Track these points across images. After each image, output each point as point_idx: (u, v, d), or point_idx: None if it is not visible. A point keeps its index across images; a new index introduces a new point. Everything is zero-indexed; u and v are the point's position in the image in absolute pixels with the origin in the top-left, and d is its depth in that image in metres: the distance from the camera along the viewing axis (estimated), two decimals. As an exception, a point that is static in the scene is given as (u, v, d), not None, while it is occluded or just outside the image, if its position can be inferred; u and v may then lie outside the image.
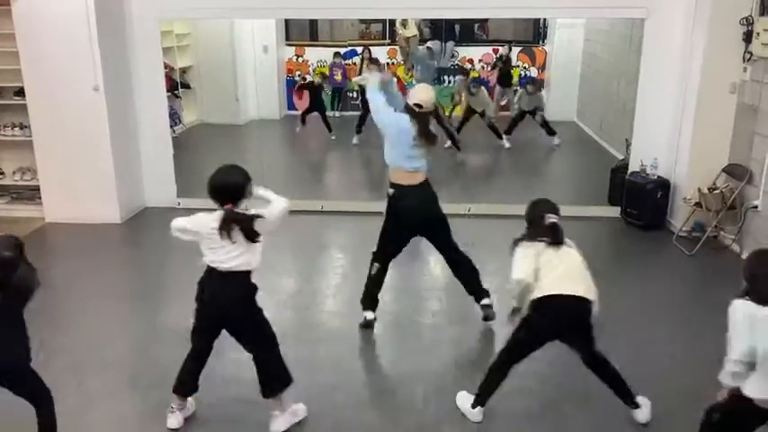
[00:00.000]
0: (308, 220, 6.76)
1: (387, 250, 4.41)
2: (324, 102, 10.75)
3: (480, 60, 12.22)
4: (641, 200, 6.42)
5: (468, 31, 12.55)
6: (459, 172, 9.33)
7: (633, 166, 6.64)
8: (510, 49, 11.67)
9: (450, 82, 11.97)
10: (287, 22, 12.08)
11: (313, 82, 10.83)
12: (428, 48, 10.48)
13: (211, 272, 3.26)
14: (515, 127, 10.12)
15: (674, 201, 6.36)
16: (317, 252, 6.17)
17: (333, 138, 10.34)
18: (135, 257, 5.98)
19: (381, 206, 4.42)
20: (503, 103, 11.56)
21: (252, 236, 3.19)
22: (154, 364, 4.09)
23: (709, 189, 5.88)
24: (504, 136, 10.00)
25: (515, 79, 11.73)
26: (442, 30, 12.01)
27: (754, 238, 5.52)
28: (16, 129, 6.76)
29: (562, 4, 6.78)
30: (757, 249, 2.91)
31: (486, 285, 4.55)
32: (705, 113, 5.98)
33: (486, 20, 12.37)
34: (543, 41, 12.18)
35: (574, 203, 7.11)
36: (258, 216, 3.19)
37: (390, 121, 4.15)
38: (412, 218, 4.26)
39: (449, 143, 9.62)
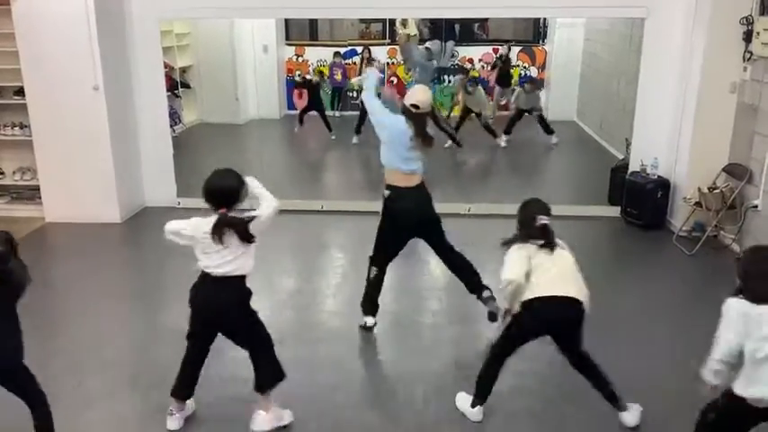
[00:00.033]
0: (307, 220, 6.77)
1: (384, 253, 4.39)
2: (322, 100, 10.73)
3: (480, 60, 12.22)
4: (641, 199, 6.42)
5: (468, 30, 12.56)
6: (459, 172, 9.33)
7: (633, 166, 6.64)
8: (509, 50, 11.68)
9: (450, 81, 11.98)
10: (287, 21, 12.08)
11: (311, 80, 10.81)
12: (426, 48, 10.48)
13: (205, 277, 3.25)
14: (514, 126, 10.13)
15: (674, 200, 6.36)
16: (317, 252, 6.17)
17: (333, 137, 10.34)
18: (135, 257, 5.98)
19: (380, 206, 4.41)
20: (502, 102, 11.57)
21: (247, 237, 3.18)
22: (154, 364, 4.09)
23: (709, 189, 5.88)
24: (504, 135, 10.02)
25: (515, 79, 11.73)
26: (441, 29, 12.01)
27: (754, 237, 5.52)
28: (16, 128, 6.76)
29: (562, 3, 6.78)
30: (752, 246, 2.92)
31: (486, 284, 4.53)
32: (705, 113, 5.98)
33: (485, 19, 12.38)
34: (543, 41, 12.18)
35: (574, 203, 7.12)
36: (252, 219, 3.18)
37: (387, 122, 4.15)
38: (408, 219, 4.25)
39: (449, 143, 9.63)
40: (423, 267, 5.54)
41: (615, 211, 6.77)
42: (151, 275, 5.58)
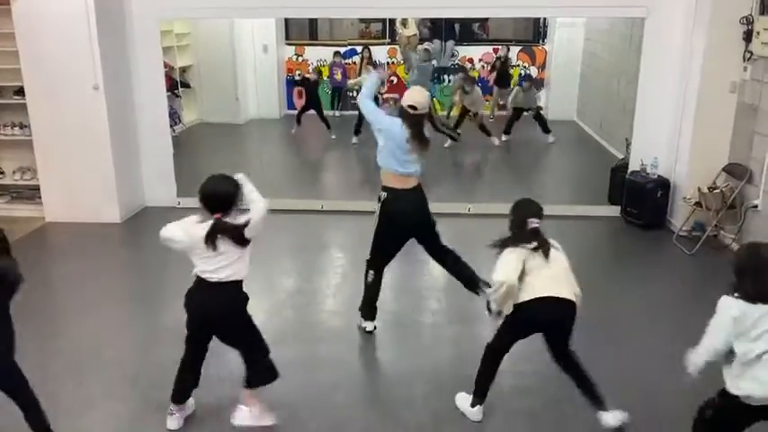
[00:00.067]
0: (307, 220, 6.77)
1: (381, 256, 4.39)
2: (320, 98, 10.67)
3: (480, 60, 12.22)
4: (641, 199, 6.42)
5: (468, 30, 12.55)
6: (459, 171, 9.34)
7: (633, 166, 6.64)
8: (508, 50, 11.71)
9: (450, 81, 11.98)
10: (287, 21, 12.08)
11: (308, 78, 10.80)
12: (425, 49, 10.49)
13: (200, 282, 3.26)
14: (513, 125, 10.15)
15: (674, 200, 6.36)
16: (317, 252, 6.17)
17: (333, 137, 10.33)
18: (135, 257, 5.98)
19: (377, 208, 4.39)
20: (501, 102, 11.59)
21: (242, 242, 3.19)
22: (154, 364, 4.09)
23: (709, 188, 5.88)
24: (503, 135, 10.07)
25: (515, 79, 11.73)
26: (441, 29, 12.01)
27: (754, 237, 5.51)
28: (16, 128, 6.77)
29: (562, 3, 6.78)
30: (748, 242, 2.92)
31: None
32: (705, 113, 5.98)
33: (486, 19, 12.38)
34: (543, 41, 12.18)
35: (574, 203, 7.13)
36: (246, 225, 3.18)
37: (383, 125, 4.14)
38: (404, 221, 4.24)
39: (448, 142, 9.64)
40: (422, 267, 5.53)
41: (615, 211, 6.77)
42: (151, 276, 5.57)
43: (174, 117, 9.95)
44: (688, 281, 5.46)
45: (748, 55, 5.68)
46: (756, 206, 5.57)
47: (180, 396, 3.49)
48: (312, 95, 10.49)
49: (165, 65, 7.96)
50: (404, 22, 11.34)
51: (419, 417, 3.65)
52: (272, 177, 8.62)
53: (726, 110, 5.94)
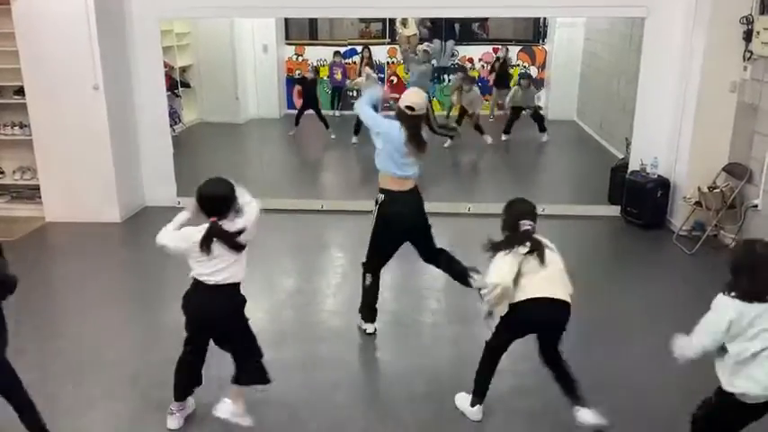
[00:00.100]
0: (307, 220, 6.77)
1: (377, 258, 4.39)
2: (317, 97, 10.63)
3: (480, 59, 12.21)
4: (641, 199, 6.42)
5: (468, 30, 12.55)
6: (459, 171, 9.34)
7: (633, 165, 6.64)
8: (507, 52, 11.72)
9: (450, 81, 11.98)
10: (287, 21, 12.07)
11: (306, 77, 10.78)
12: (424, 50, 10.48)
13: (198, 285, 3.26)
14: (513, 125, 10.16)
15: (674, 200, 6.36)
16: (317, 251, 6.17)
17: (333, 137, 10.33)
18: (135, 257, 5.98)
19: (374, 209, 4.38)
20: (500, 102, 11.59)
21: (236, 247, 3.19)
22: (153, 363, 4.09)
23: (709, 188, 5.88)
24: (503, 135, 10.10)
25: (515, 79, 11.73)
26: (441, 29, 12.01)
27: (753, 236, 5.50)
28: (16, 128, 6.76)
29: (562, 3, 6.78)
30: (744, 239, 2.92)
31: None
32: (705, 112, 5.98)
33: (485, 19, 12.38)
34: (543, 40, 12.18)
35: (574, 202, 7.13)
36: (241, 232, 3.18)
37: (382, 129, 4.13)
38: (401, 224, 4.24)
39: (448, 142, 9.64)
40: (422, 267, 5.50)
41: (615, 211, 6.77)
42: (151, 276, 5.57)
43: (174, 117, 9.95)
44: (688, 280, 5.46)
45: (748, 54, 5.68)
46: (756, 206, 5.57)
47: (180, 394, 3.50)
48: (310, 94, 10.47)
49: (165, 64, 7.96)
50: (404, 22, 11.36)
51: (419, 416, 3.65)
52: (272, 177, 8.64)
53: (726, 109, 5.94)
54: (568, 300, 3.30)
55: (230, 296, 3.29)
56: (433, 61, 11.28)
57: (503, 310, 3.39)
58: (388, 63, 12.13)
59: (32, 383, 3.64)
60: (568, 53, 11.69)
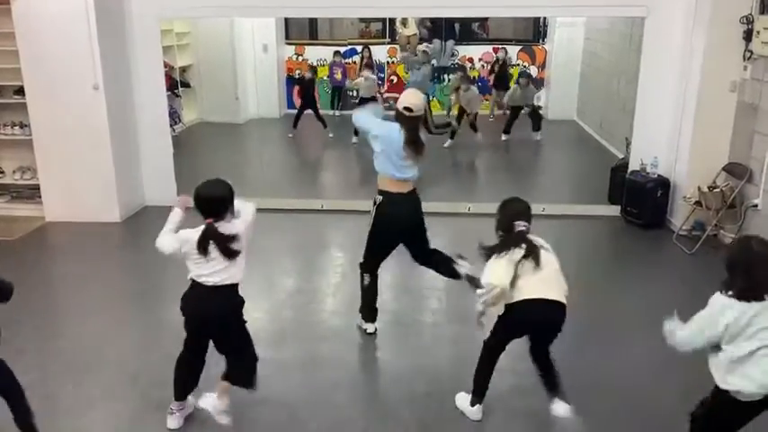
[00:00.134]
0: (307, 220, 6.77)
1: (374, 259, 4.39)
2: (314, 97, 10.61)
3: (480, 59, 12.22)
4: (641, 198, 6.42)
5: (468, 29, 12.55)
6: (459, 171, 9.34)
7: (633, 165, 6.64)
8: (506, 53, 11.73)
9: (450, 81, 11.99)
10: (287, 20, 12.08)
11: (303, 77, 10.77)
12: (423, 51, 10.47)
13: (196, 286, 3.26)
14: (512, 125, 10.16)
15: (674, 199, 6.36)
16: (317, 251, 6.17)
17: (330, 135, 10.33)
18: (135, 257, 5.97)
19: (372, 210, 4.38)
20: (499, 101, 11.60)
21: (229, 254, 3.18)
22: (153, 363, 4.09)
23: (709, 188, 5.88)
24: (503, 135, 10.11)
25: (515, 79, 11.74)
26: (441, 29, 12.01)
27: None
28: (16, 128, 6.76)
29: (562, 2, 6.78)
30: (740, 236, 2.91)
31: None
32: (705, 112, 5.98)
33: (485, 19, 12.38)
34: (543, 40, 12.18)
35: (574, 202, 7.13)
36: (236, 236, 3.18)
37: (381, 132, 4.13)
38: (398, 225, 4.25)
39: (448, 142, 9.65)
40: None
41: (615, 210, 6.77)
42: (151, 275, 5.57)
43: (174, 116, 9.95)
44: (688, 280, 5.46)
45: (748, 54, 5.68)
46: (756, 205, 5.57)
47: (180, 393, 3.50)
48: (308, 94, 10.46)
49: (165, 64, 7.96)
50: (404, 22, 11.37)
51: (419, 416, 3.65)
52: (272, 177, 8.64)
53: (726, 109, 5.94)
54: (564, 301, 3.31)
55: (228, 297, 3.29)
56: (433, 61, 11.29)
57: (499, 309, 3.40)
58: (388, 63, 12.13)
59: (32, 383, 3.64)
60: (568, 53, 11.69)
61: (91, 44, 6.15)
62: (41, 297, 5.00)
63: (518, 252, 3.27)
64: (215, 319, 3.31)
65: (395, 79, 12.07)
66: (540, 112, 10.68)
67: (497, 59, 11.75)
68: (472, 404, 3.56)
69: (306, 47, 12.26)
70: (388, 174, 4.15)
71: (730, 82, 5.88)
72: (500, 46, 11.89)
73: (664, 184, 6.36)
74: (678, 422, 3.08)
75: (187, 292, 3.31)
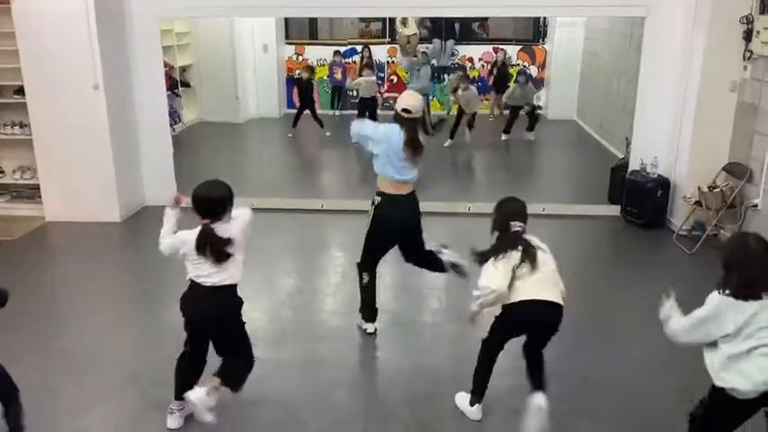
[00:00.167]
0: (307, 219, 6.77)
1: (371, 259, 4.40)
2: (311, 96, 10.57)
3: (480, 59, 12.22)
4: (641, 198, 6.42)
5: (468, 29, 12.56)
6: (459, 171, 9.34)
7: (633, 165, 6.64)
8: (505, 55, 11.73)
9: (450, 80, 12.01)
10: (287, 20, 12.08)
11: (301, 78, 10.76)
12: (423, 53, 10.47)
13: (195, 287, 3.26)
14: (513, 125, 10.16)
15: (674, 199, 6.36)
16: (317, 251, 6.17)
17: (327, 134, 10.32)
18: (135, 257, 5.97)
19: (371, 211, 4.38)
20: (499, 102, 11.61)
21: (220, 258, 3.18)
22: (153, 363, 4.09)
23: (709, 188, 5.88)
24: (503, 135, 10.11)
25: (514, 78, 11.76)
26: (441, 28, 12.01)
27: (753, 236, 5.52)
28: (16, 127, 6.76)
29: (562, 2, 6.78)
30: (736, 232, 2.91)
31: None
32: (705, 112, 5.98)
33: (485, 18, 12.39)
34: (543, 40, 12.19)
35: (574, 202, 7.13)
36: (230, 240, 3.18)
37: (380, 136, 4.15)
38: (396, 226, 4.26)
39: (448, 142, 9.66)
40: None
41: (615, 210, 6.77)
42: (151, 275, 5.57)
43: (174, 116, 9.95)
44: (688, 280, 5.43)
45: (748, 54, 5.68)
46: (756, 205, 5.56)
47: (180, 393, 3.49)
48: (306, 94, 10.45)
49: (165, 64, 7.96)
50: (404, 22, 11.37)
51: (419, 416, 3.65)
52: (271, 176, 8.64)
53: (726, 109, 5.94)
54: (561, 302, 3.31)
55: (227, 298, 3.29)
56: (433, 61, 11.29)
57: (496, 309, 3.40)
58: (388, 62, 12.12)
59: (32, 383, 3.65)
60: (568, 53, 11.70)
61: (91, 44, 6.15)
62: (41, 297, 5.00)
63: (515, 255, 3.27)
64: (213, 320, 3.31)
65: (395, 79, 12.07)
66: (539, 112, 10.67)
67: (495, 62, 11.75)
68: (472, 404, 3.57)
69: (306, 46, 12.26)
70: (387, 175, 4.15)
71: (730, 82, 5.88)
72: (499, 47, 11.88)
73: (664, 183, 6.36)
74: (678, 422, 3.08)
75: (186, 292, 3.31)
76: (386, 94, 11.75)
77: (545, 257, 3.34)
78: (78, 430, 3.53)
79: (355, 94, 11.51)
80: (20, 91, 6.52)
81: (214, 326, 3.34)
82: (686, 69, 6.09)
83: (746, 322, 2.62)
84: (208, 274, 3.21)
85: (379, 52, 11.98)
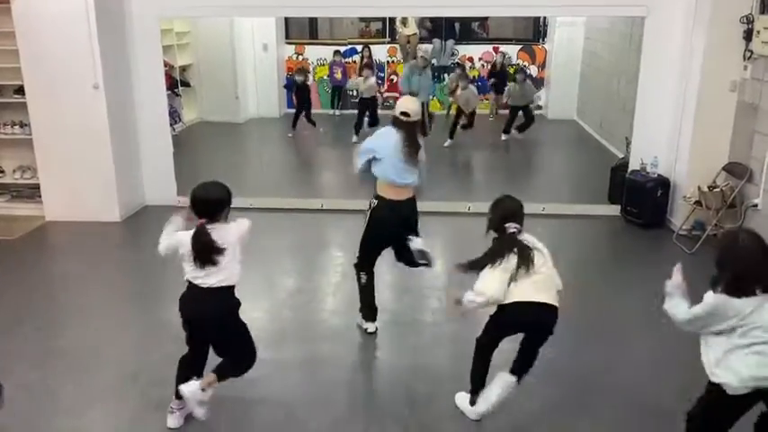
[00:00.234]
0: (307, 219, 6.77)
1: (369, 259, 4.41)
2: (307, 98, 10.53)
3: (480, 59, 12.22)
4: (641, 198, 6.42)
5: (467, 29, 12.56)
6: (459, 170, 9.34)
7: (633, 165, 6.64)
8: (504, 56, 11.72)
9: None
10: (287, 20, 12.08)
11: (296, 80, 10.73)
12: (422, 56, 10.46)
13: (192, 288, 3.27)
14: (512, 124, 10.15)
15: (674, 199, 6.36)
16: (317, 251, 6.17)
17: (321, 130, 10.31)
18: (135, 256, 5.97)
19: (367, 213, 4.37)
20: (499, 103, 11.61)
21: (205, 261, 3.17)
22: (153, 362, 4.09)
23: (709, 187, 5.88)
24: (503, 135, 10.10)
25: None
26: (441, 28, 12.02)
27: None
28: (16, 127, 6.76)
29: (562, 2, 6.78)
30: (727, 229, 2.91)
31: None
32: (705, 112, 5.98)
33: (485, 18, 12.39)
34: (543, 40, 12.19)
35: (574, 202, 7.13)
36: (221, 250, 3.17)
37: (379, 142, 4.17)
38: (393, 227, 4.26)
39: (448, 142, 9.66)
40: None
41: (615, 210, 6.77)
42: (151, 274, 5.56)
43: (174, 116, 9.94)
44: (688, 280, 5.45)
45: (748, 54, 5.68)
46: (756, 205, 5.56)
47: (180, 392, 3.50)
48: (302, 96, 10.44)
49: (165, 63, 7.96)
50: (404, 21, 11.38)
51: (419, 415, 3.65)
52: (271, 176, 8.64)
53: (726, 109, 5.94)
54: (556, 304, 3.31)
55: (223, 299, 3.29)
56: (433, 61, 11.28)
57: (491, 308, 3.40)
58: (388, 62, 12.12)
59: (32, 383, 3.66)
60: (568, 52, 11.69)
61: (91, 43, 6.15)
62: (41, 297, 5.00)
63: (512, 258, 3.26)
64: (210, 321, 3.31)
65: (395, 79, 12.07)
66: (535, 113, 10.57)
67: (494, 64, 11.74)
68: (471, 403, 3.56)
69: (306, 46, 12.26)
70: (388, 179, 4.16)
71: (730, 82, 5.88)
72: (499, 47, 11.88)
73: (664, 183, 6.36)
74: (677, 421, 3.08)
75: (184, 293, 3.32)
76: (386, 94, 11.75)
77: (541, 258, 3.33)
78: (78, 430, 3.53)
79: (355, 93, 11.53)
80: (20, 90, 6.52)
81: (211, 327, 3.34)
82: (686, 69, 6.09)
83: (741, 320, 2.64)
84: (204, 275, 3.21)
85: (379, 52, 11.98)
